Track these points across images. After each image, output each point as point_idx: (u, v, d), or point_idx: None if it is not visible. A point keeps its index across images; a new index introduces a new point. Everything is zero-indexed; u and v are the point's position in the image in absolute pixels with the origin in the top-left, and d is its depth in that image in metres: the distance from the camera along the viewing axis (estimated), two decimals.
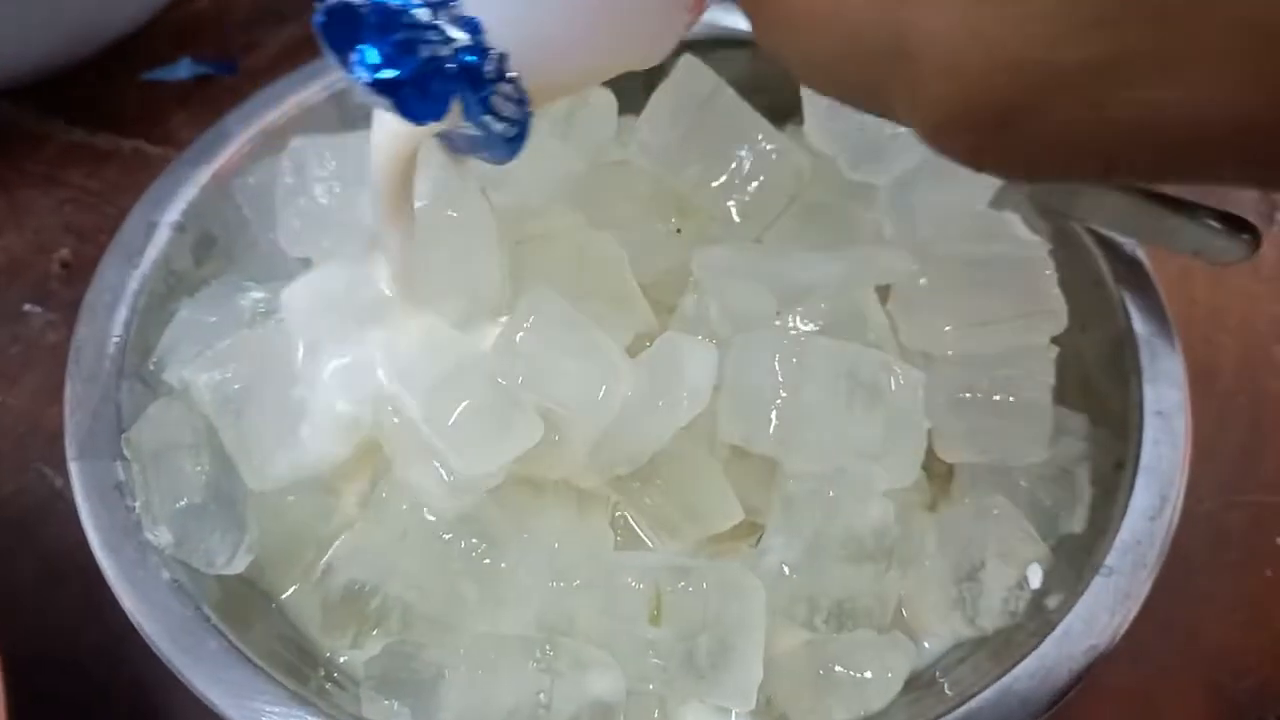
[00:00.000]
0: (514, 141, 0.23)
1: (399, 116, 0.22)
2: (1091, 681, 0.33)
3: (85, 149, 0.45)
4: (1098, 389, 0.32)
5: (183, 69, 0.48)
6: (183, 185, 0.34)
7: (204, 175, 0.34)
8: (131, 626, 0.31)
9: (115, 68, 0.47)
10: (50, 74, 0.45)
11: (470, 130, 0.23)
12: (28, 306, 0.41)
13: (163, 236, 0.33)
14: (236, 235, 0.34)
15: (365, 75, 0.21)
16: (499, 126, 0.22)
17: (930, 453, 0.30)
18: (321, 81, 0.37)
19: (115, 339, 0.30)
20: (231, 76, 0.48)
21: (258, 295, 0.30)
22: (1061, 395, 0.33)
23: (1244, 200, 0.49)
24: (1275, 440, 0.40)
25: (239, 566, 0.27)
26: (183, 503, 0.26)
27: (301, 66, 0.38)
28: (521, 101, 0.22)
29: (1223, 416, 0.40)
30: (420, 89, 0.21)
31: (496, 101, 0.22)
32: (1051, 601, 0.28)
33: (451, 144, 0.25)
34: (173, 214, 0.33)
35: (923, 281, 0.29)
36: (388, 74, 0.21)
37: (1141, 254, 0.34)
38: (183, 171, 0.34)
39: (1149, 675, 0.34)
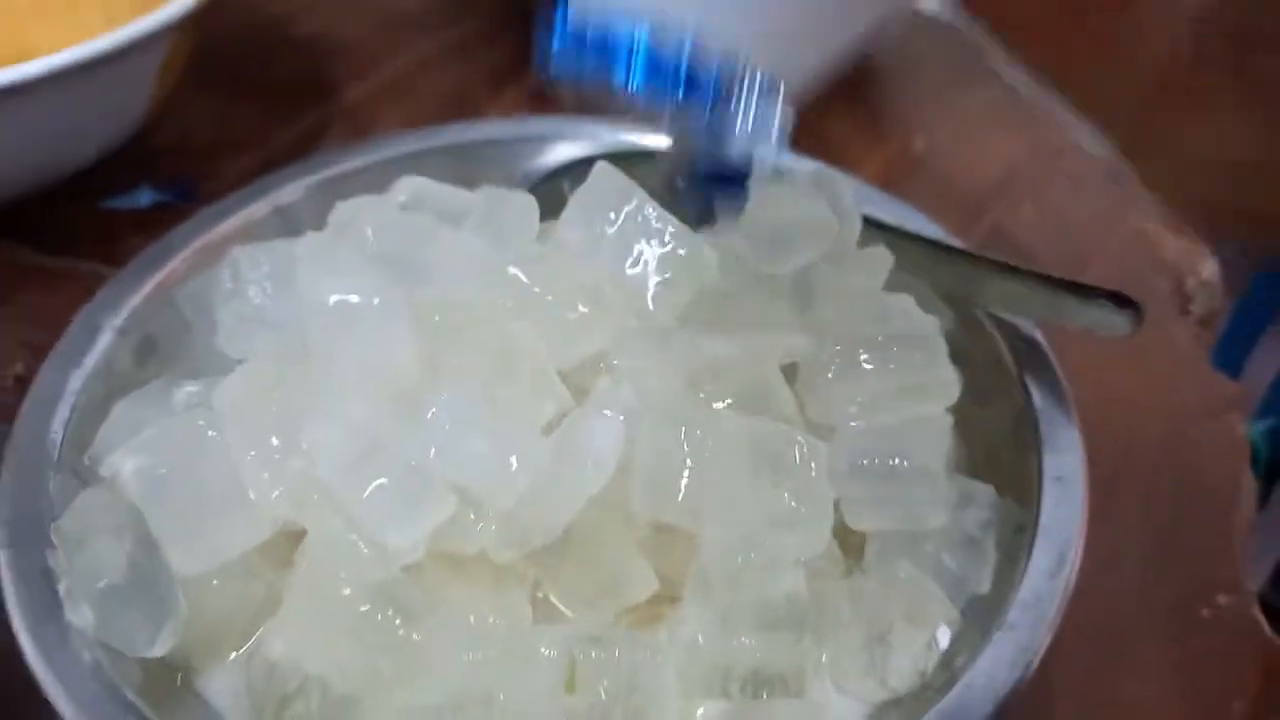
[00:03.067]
0: None
1: None
2: None
3: (43, 271, 0.47)
4: (1002, 461, 0.34)
5: (143, 196, 0.51)
6: (127, 293, 0.36)
7: (148, 284, 0.36)
8: None
9: (76, 195, 0.49)
10: (13, 200, 0.47)
11: None
12: None
13: (105, 340, 0.34)
14: (178, 339, 0.36)
15: None
16: None
17: (844, 525, 0.31)
18: (265, 198, 0.40)
19: (53, 434, 0.31)
20: (190, 203, 0.50)
21: (191, 389, 0.31)
22: (970, 469, 0.34)
23: (1159, 291, 0.52)
24: (1197, 515, 0.42)
25: (161, 649, 0.27)
26: (103, 583, 0.27)
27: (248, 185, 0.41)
28: None
29: (1147, 494, 0.42)
30: None
31: None
32: (960, 661, 0.28)
33: None
34: (116, 319, 0.35)
35: (824, 359, 0.31)
36: None
37: (1039, 335, 0.36)
38: (128, 280, 0.36)
39: None
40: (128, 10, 0.51)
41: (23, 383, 0.43)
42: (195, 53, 0.49)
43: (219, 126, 0.56)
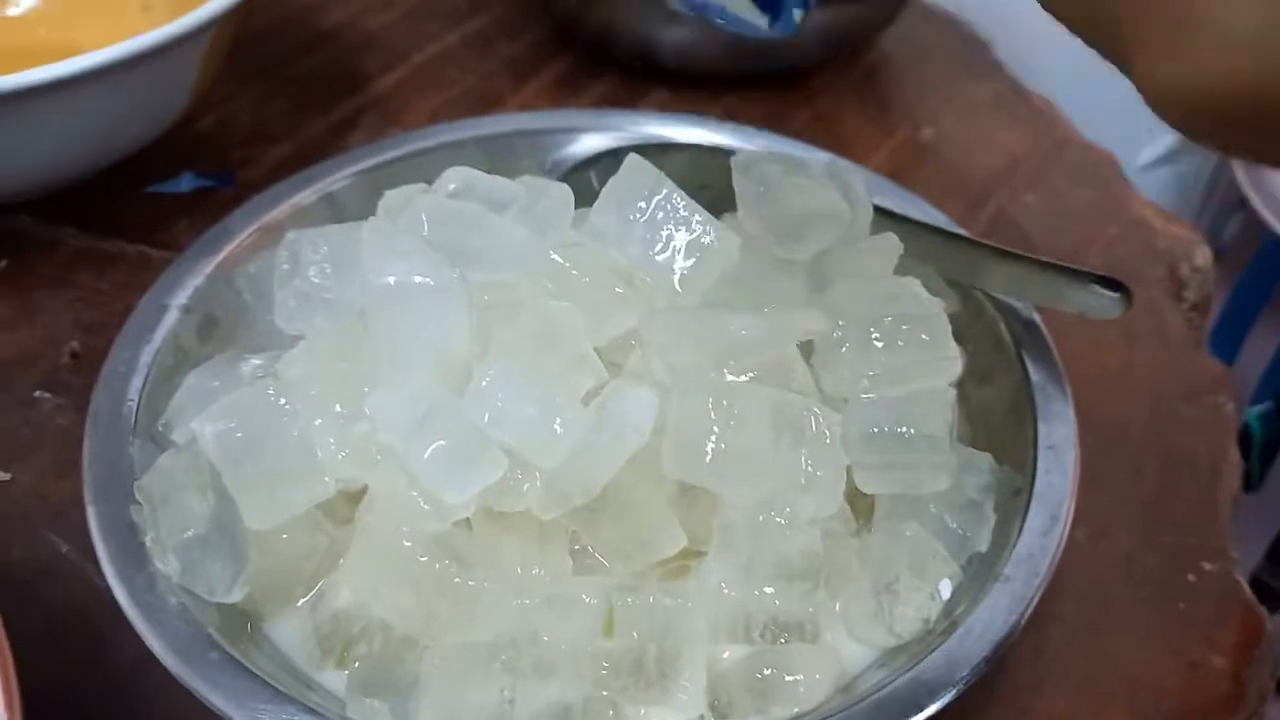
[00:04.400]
0: None
1: None
2: (1024, 706, 0.36)
3: (94, 253, 0.50)
4: (1002, 433, 0.36)
5: (185, 182, 0.53)
6: (189, 275, 0.39)
7: (208, 266, 0.39)
8: (132, 673, 0.34)
9: (122, 181, 0.51)
10: (62, 187, 0.49)
11: None
12: (38, 393, 0.44)
13: (172, 317, 0.37)
14: (237, 318, 0.39)
15: None
16: None
17: (855, 490, 0.34)
18: (313, 185, 0.43)
19: (129, 403, 0.34)
20: (229, 189, 0.53)
21: (257, 362, 0.34)
22: (972, 439, 0.37)
23: (1154, 277, 0.54)
24: (1184, 488, 0.44)
25: (237, 596, 0.30)
26: (189, 533, 0.30)
27: (295, 173, 0.44)
28: None
29: (1137, 468, 0.44)
30: None
31: None
32: (960, 610, 0.31)
33: None
34: (180, 298, 0.37)
35: (837, 336, 0.34)
36: None
37: (1036, 316, 0.39)
38: (189, 263, 0.39)
39: (1075, 699, 0.37)
40: (165, 7, 0.54)
41: (78, 359, 0.46)
42: (232, 46, 0.51)
43: (255, 117, 0.58)
